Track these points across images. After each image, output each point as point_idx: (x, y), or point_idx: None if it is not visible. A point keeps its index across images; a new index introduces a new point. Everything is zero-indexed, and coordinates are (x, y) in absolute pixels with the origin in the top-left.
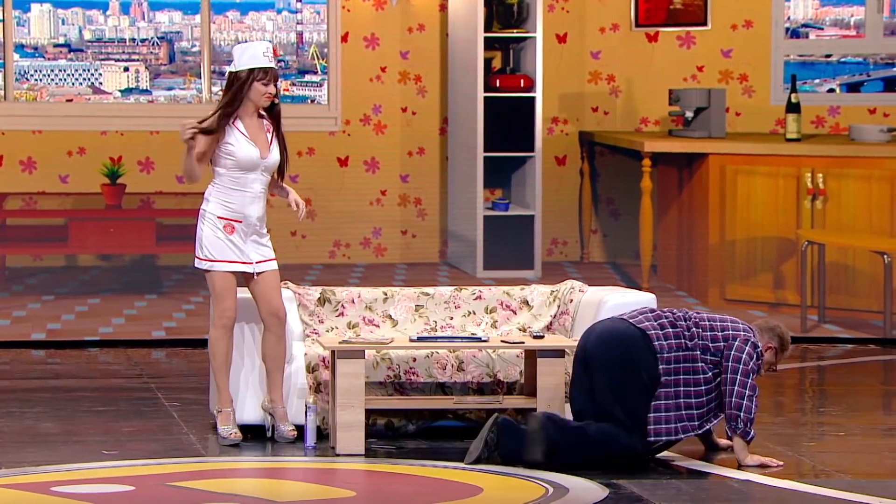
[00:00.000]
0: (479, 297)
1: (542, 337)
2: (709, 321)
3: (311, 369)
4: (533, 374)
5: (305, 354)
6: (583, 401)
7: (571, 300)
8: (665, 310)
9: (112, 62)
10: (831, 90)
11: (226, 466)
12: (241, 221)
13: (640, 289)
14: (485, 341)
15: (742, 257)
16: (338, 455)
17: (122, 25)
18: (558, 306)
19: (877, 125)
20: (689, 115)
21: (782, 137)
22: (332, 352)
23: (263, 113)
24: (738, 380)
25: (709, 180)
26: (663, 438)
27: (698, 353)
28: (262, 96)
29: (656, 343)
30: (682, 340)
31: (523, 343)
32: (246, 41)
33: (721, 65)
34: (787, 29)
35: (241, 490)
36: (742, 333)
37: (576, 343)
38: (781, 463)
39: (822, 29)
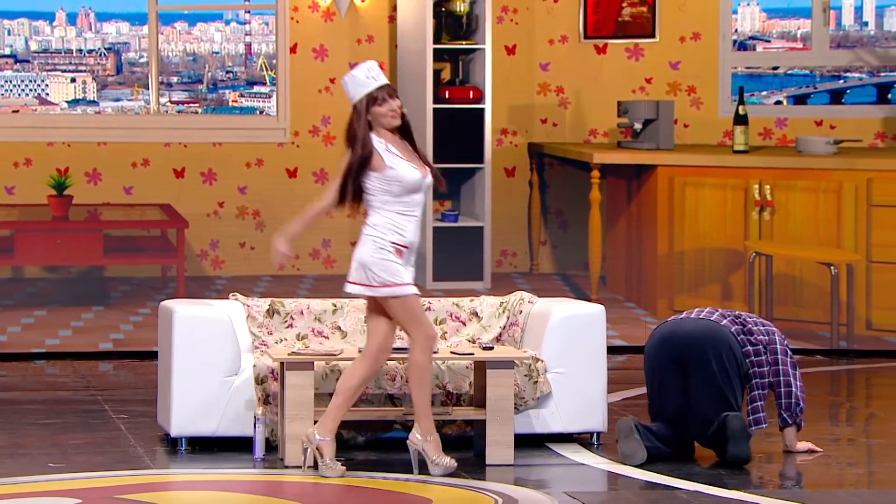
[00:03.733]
0: (429, 309)
1: (491, 348)
2: (747, 317)
3: (259, 381)
4: (482, 386)
5: (254, 366)
6: (681, 401)
7: (521, 311)
8: (717, 310)
9: (59, 73)
10: (778, 102)
11: (173, 479)
12: (408, 248)
13: (589, 300)
14: (434, 352)
15: (690, 268)
16: (287, 467)
17: (68, 36)
18: (507, 317)
19: (823, 137)
20: (638, 126)
21: (730, 149)
22: (281, 363)
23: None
24: (792, 378)
25: (657, 192)
26: (763, 425)
27: (760, 347)
28: (386, 118)
29: (740, 337)
30: (748, 336)
31: (473, 354)
32: (355, 65)
33: (669, 77)
34: (735, 41)
35: (189, 502)
36: (774, 328)
37: (525, 354)
38: (821, 449)
39: (769, 41)
